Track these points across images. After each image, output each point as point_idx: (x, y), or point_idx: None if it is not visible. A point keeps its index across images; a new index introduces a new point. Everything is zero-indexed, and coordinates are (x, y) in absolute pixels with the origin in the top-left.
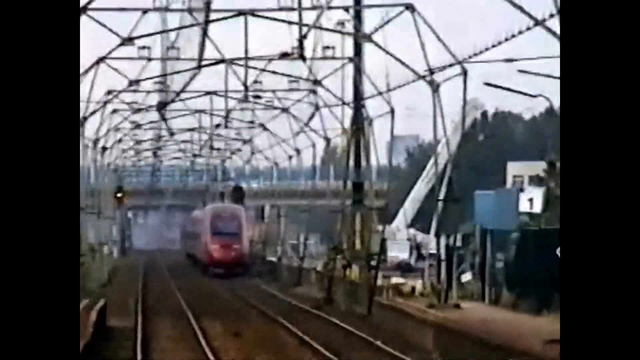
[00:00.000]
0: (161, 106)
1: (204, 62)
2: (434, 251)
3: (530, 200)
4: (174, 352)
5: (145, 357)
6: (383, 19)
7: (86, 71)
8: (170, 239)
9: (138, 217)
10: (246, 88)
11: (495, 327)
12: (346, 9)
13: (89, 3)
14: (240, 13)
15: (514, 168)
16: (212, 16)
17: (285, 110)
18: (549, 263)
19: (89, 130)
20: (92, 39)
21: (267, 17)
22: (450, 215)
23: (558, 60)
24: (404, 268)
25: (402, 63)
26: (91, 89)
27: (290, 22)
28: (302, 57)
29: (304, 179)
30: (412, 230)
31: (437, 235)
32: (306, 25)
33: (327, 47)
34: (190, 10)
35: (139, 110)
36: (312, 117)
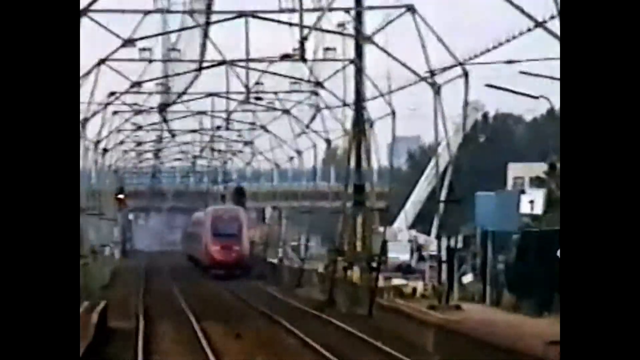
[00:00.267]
0: (162, 108)
1: (205, 64)
2: (435, 252)
3: (531, 201)
4: (176, 353)
5: (146, 359)
6: (384, 20)
7: (87, 73)
8: (172, 240)
9: (139, 219)
10: (247, 90)
11: (496, 329)
12: (347, 10)
13: (90, 5)
14: (241, 15)
15: (514, 169)
16: (213, 18)
17: (286, 111)
18: (550, 264)
19: (91, 131)
20: (93, 41)
21: (268, 19)
22: (451, 217)
23: (559, 61)
24: (405, 269)
25: (403, 65)
26: (93, 90)
27: (291, 24)
28: (303, 59)
29: (305, 181)
30: (413, 232)
31: (438, 237)
32: (307, 26)
33: (328, 49)
34: (191, 12)
35: (140, 112)
36: (313, 118)
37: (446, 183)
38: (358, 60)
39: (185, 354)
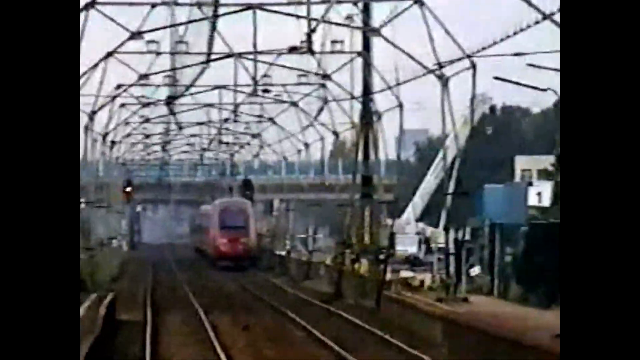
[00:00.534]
0: (170, 100)
1: (212, 56)
2: (442, 245)
3: (539, 194)
4: (183, 345)
5: (154, 350)
6: (392, 12)
7: (95, 65)
8: (179, 233)
9: (147, 212)
10: (255, 82)
11: (504, 321)
12: (355, 2)
13: None
14: (249, 7)
15: (522, 162)
16: (221, 10)
17: (294, 104)
18: (558, 257)
19: (98, 124)
20: (101, 34)
21: (275, 11)
22: (459, 209)
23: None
24: (412, 262)
25: (411, 57)
26: (100, 83)
27: (298, 16)
28: (311, 51)
29: (313, 173)
30: (421, 224)
31: (446, 229)
32: (315, 19)
33: (336, 41)
34: (199, 5)
35: (148, 105)
36: (321, 111)
37: (454, 175)
38: (366, 52)
39: (193, 345)
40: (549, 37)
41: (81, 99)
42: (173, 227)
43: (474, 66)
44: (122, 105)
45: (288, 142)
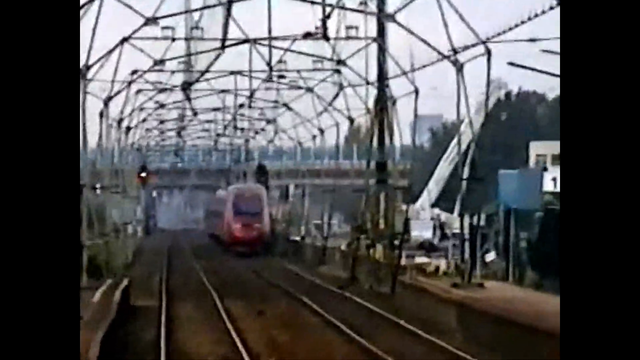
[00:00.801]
0: (185, 86)
1: (227, 42)
2: (457, 231)
3: (554, 179)
4: (198, 331)
5: (169, 336)
6: None
7: (110, 51)
8: (194, 218)
9: (162, 197)
10: (270, 68)
11: (519, 307)
12: None
13: None
14: None
15: (537, 147)
16: None
17: (309, 90)
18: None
19: (114, 110)
20: (116, 19)
21: None
22: (474, 195)
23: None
24: (427, 248)
25: (426, 43)
26: (116, 69)
27: (313, 2)
28: (326, 37)
29: (328, 159)
30: (436, 210)
31: (461, 215)
32: (329, 5)
33: (351, 27)
34: None
35: (163, 90)
36: (336, 96)
37: (469, 161)
38: (380, 38)
39: (208, 331)
40: None
41: (96, 84)
42: (188, 213)
43: (488, 52)
44: (138, 91)
45: (303, 128)
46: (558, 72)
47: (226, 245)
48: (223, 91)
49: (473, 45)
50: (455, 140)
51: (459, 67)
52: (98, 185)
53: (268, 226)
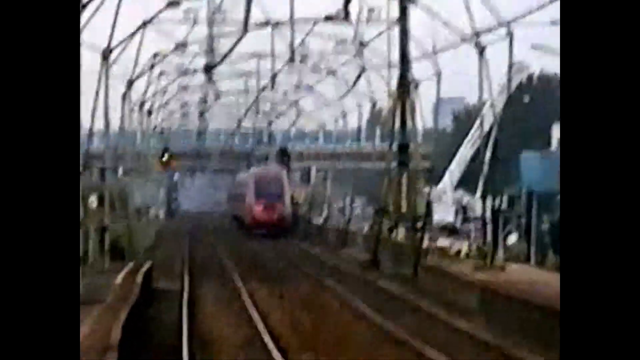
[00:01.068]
0: (208, 69)
1: (249, 25)
2: (479, 213)
3: None
4: (220, 313)
5: (191, 318)
6: None
7: (132, 34)
8: (217, 201)
9: (185, 180)
10: (292, 51)
11: (541, 289)
12: None
13: None
14: None
15: (559, 129)
16: None
17: (331, 72)
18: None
19: (136, 93)
20: (138, 2)
21: None
22: (496, 177)
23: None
24: (449, 230)
25: (448, 25)
26: (138, 52)
27: None
28: (348, 20)
29: (350, 141)
30: (458, 193)
31: (483, 198)
32: None
33: (372, 10)
34: None
35: (185, 73)
36: (358, 79)
37: (491, 144)
38: (402, 21)
39: (230, 314)
40: None
41: (118, 67)
42: (210, 195)
43: (510, 35)
44: (160, 74)
45: (325, 110)
46: None
47: (248, 228)
48: (245, 74)
49: (495, 28)
50: (477, 123)
51: (481, 50)
52: (120, 169)
53: (289, 208)
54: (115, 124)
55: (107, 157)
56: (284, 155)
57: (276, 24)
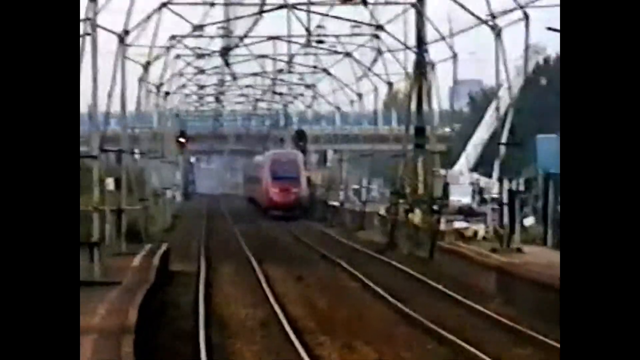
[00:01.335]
0: (224, 51)
1: (266, 7)
2: (496, 195)
3: None
4: (237, 296)
5: (207, 301)
6: None
7: (149, 16)
8: (233, 183)
9: (201, 162)
10: (309, 33)
11: (557, 271)
12: None
13: None
14: None
15: None
16: None
17: (348, 55)
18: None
19: (153, 75)
20: None
21: None
22: (513, 160)
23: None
24: (466, 212)
25: (464, 8)
26: (155, 34)
27: None
28: (364, 2)
29: (367, 124)
30: (474, 175)
31: (500, 180)
32: None
33: None
34: None
35: (202, 56)
36: (374, 61)
37: (507, 126)
38: (419, 3)
39: (247, 296)
40: None
41: (136, 49)
42: (227, 178)
43: (527, 17)
44: (177, 56)
45: (342, 93)
46: None
47: (264, 210)
48: (262, 56)
49: (511, 10)
50: (493, 105)
51: (498, 32)
52: (137, 151)
53: (305, 191)
54: (131, 106)
55: (124, 139)
56: (300, 138)
57: (293, 6)
